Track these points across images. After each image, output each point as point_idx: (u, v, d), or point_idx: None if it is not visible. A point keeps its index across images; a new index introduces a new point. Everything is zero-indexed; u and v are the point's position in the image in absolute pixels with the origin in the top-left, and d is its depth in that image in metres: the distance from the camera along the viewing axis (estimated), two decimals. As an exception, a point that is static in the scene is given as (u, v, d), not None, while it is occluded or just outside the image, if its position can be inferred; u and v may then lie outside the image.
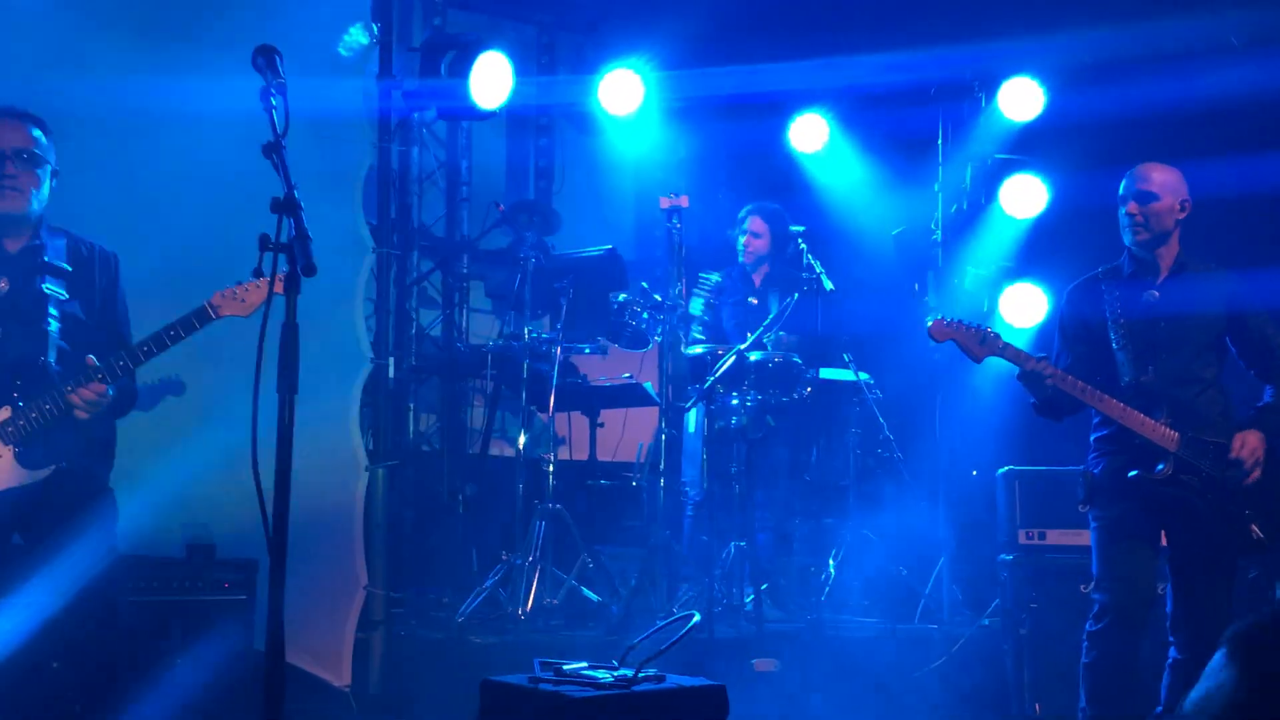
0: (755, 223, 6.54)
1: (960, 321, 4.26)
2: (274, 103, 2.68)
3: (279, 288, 2.40)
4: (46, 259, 3.82)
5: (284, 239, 2.46)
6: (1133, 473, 4.18)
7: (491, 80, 5.55)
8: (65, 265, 3.85)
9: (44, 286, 3.78)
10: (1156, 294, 4.32)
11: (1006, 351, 4.21)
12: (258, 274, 2.43)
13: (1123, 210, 4.35)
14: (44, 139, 3.83)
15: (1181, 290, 4.32)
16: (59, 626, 3.84)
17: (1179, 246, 4.38)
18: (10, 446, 3.67)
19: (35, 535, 3.77)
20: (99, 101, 4.70)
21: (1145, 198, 4.30)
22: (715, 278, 6.46)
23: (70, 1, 4.72)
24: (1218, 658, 1.58)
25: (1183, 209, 4.33)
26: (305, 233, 2.45)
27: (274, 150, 2.57)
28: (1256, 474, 4.14)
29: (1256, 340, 4.33)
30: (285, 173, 2.55)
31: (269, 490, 2.57)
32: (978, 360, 4.29)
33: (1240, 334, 4.34)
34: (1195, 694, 1.59)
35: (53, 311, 3.77)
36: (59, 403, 3.65)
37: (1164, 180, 4.32)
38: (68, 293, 3.82)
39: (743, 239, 6.54)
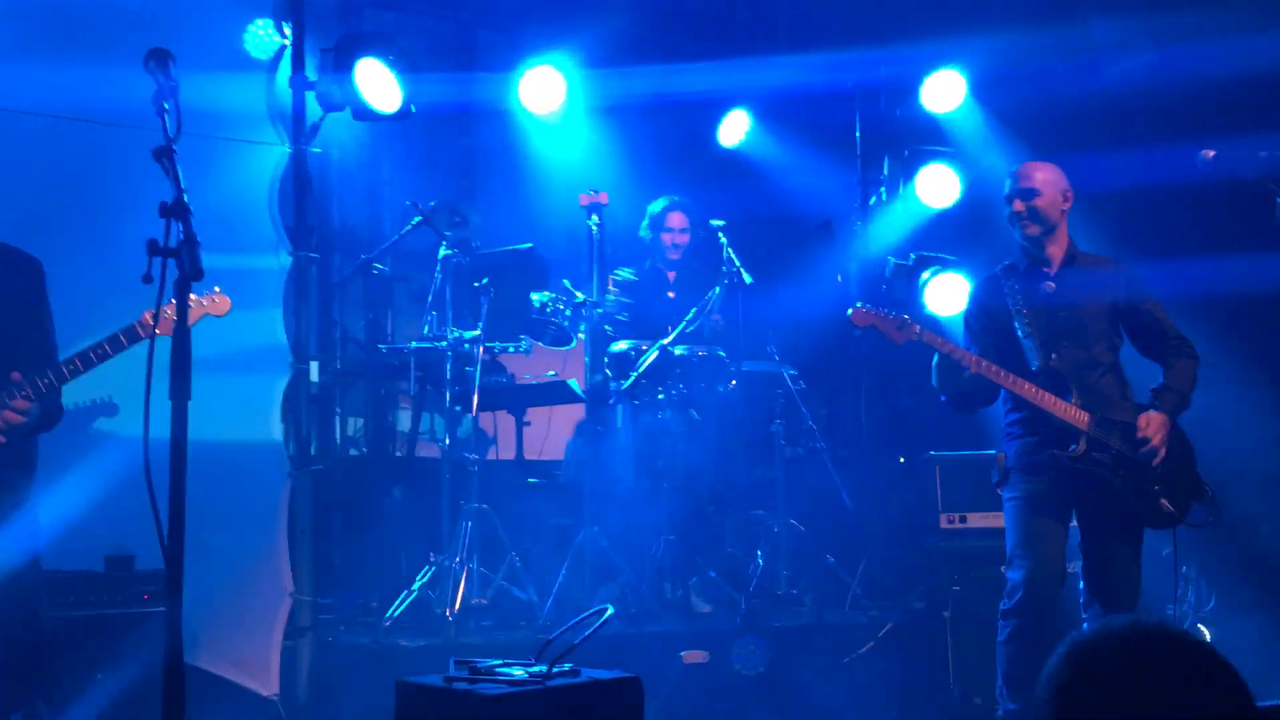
0: (679, 218, 6.51)
1: (879, 309, 4.39)
2: (166, 106, 2.65)
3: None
4: None
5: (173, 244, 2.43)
6: (1048, 452, 4.30)
7: (382, 83, 5.51)
8: None
9: None
10: (1052, 285, 4.48)
11: (924, 336, 4.34)
12: (147, 279, 2.40)
13: (1010, 210, 4.51)
14: None
15: (1075, 280, 4.50)
16: None
17: (1068, 238, 4.56)
18: None
19: None
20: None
21: (1029, 194, 4.47)
22: (626, 273, 6.45)
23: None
24: (1054, 661, 1.63)
25: (1066, 200, 4.52)
26: (194, 237, 2.43)
27: (165, 154, 2.54)
28: (1163, 451, 4.29)
29: (1148, 323, 4.51)
30: (175, 177, 2.52)
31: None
32: (898, 344, 4.40)
33: (1131, 318, 4.52)
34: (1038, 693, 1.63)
35: None
36: None
37: (1045, 177, 4.49)
38: None
39: (666, 235, 6.50)
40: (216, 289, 3.87)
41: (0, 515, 3.72)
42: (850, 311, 4.41)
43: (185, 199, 2.47)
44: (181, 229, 2.42)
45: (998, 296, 4.52)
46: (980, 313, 4.59)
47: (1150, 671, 1.55)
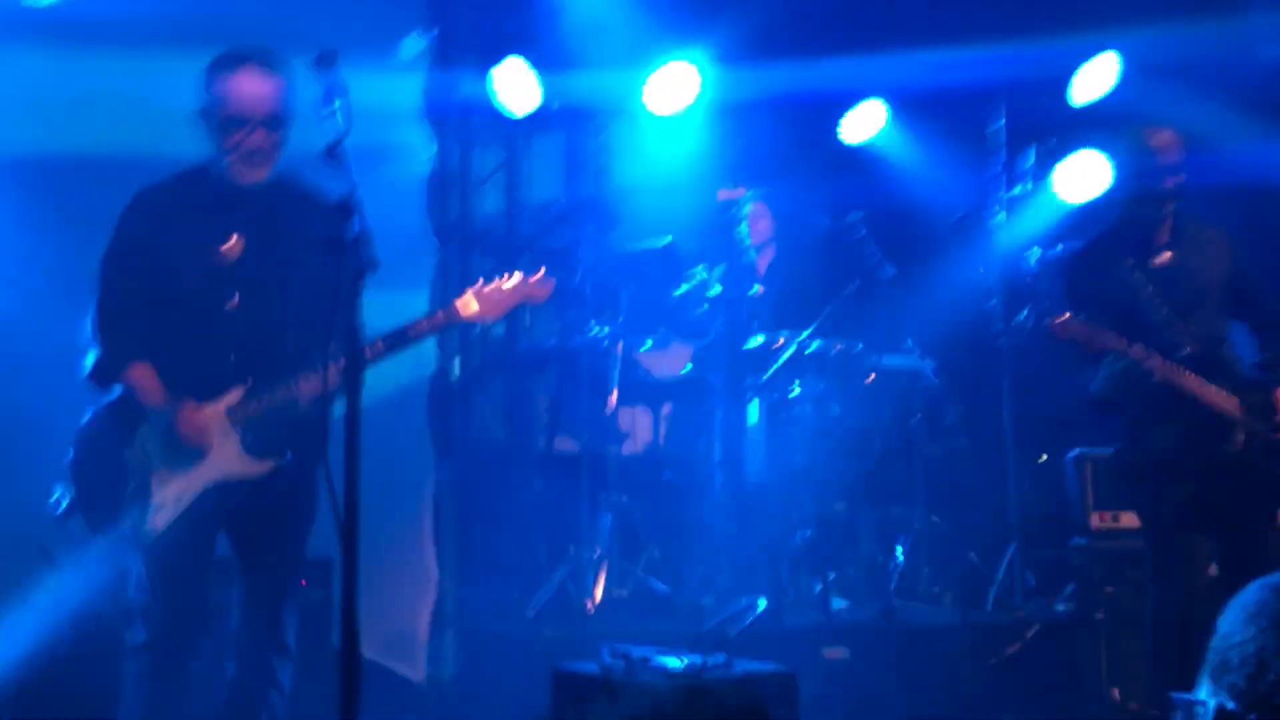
0: (754, 208, 6.48)
1: (1089, 320, 4.09)
2: (336, 104, 2.73)
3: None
4: (284, 211, 3.47)
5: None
6: (1218, 449, 4.11)
7: (523, 82, 5.58)
8: (301, 217, 3.43)
9: (280, 247, 3.44)
10: (1169, 255, 4.23)
11: (1120, 343, 4.07)
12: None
13: (1169, 186, 4.22)
14: (289, 89, 3.45)
15: (1190, 248, 4.26)
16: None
17: None
18: (237, 432, 3.39)
19: (242, 543, 3.59)
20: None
21: (1179, 169, 4.24)
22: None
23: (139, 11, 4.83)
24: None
25: None
26: (367, 230, 2.50)
27: (335, 152, 2.63)
28: None
29: (1253, 289, 4.28)
30: (348, 173, 2.60)
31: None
32: (1098, 358, 4.15)
33: (1238, 283, 4.28)
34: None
35: (288, 277, 3.42)
36: (291, 389, 3.35)
37: (1180, 144, 4.25)
38: (302, 252, 3.35)
39: (744, 225, 6.44)
40: (542, 270, 3.61)
41: (289, 506, 3.56)
42: (1052, 321, 4.08)
43: (357, 194, 2.55)
44: (355, 223, 2.50)
45: (1113, 274, 4.23)
46: (1095, 294, 4.23)
47: None
